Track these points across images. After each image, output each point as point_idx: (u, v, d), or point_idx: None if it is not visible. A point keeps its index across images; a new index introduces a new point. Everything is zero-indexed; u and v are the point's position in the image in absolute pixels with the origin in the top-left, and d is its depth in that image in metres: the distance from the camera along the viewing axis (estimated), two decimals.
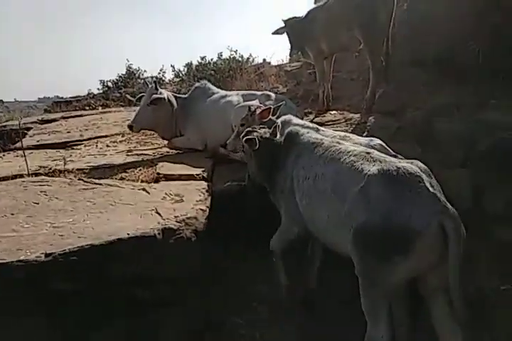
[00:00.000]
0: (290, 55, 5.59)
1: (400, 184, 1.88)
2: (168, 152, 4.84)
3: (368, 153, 2.17)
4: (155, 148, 5.11)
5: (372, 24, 4.35)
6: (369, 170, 1.99)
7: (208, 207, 3.00)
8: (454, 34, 4.63)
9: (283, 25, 4.99)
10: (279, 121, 3.19)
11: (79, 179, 3.61)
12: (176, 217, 2.66)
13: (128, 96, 12.70)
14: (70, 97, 15.30)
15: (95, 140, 6.06)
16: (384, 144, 2.83)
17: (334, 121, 4.80)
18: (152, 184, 3.48)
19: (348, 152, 2.23)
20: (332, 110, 5.27)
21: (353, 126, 4.46)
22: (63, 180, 3.50)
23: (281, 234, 2.78)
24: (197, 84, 4.95)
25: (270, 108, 3.42)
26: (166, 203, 2.96)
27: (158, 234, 2.44)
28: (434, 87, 4.84)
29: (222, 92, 4.76)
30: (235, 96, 4.57)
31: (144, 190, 3.29)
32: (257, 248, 3.01)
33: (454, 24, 4.59)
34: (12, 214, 2.72)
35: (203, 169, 3.96)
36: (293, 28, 4.95)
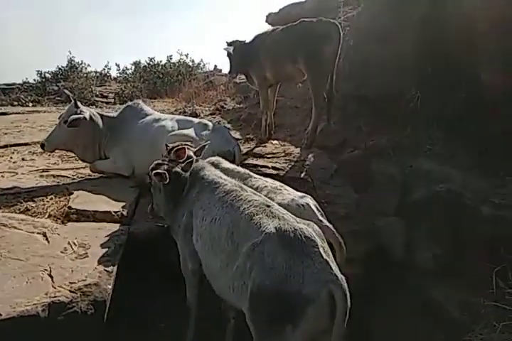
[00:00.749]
0: (227, 77, 5.25)
1: (296, 247, 1.82)
2: (90, 175, 4.27)
3: (269, 206, 2.07)
4: (77, 168, 4.51)
5: (317, 58, 4.11)
6: (266, 228, 1.91)
7: (117, 264, 2.53)
8: (397, 76, 4.51)
9: (226, 46, 4.63)
10: (199, 158, 2.83)
11: None
12: (71, 283, 2.20)
13: (66, 91, 11.73)
14: (3, 84, 13.93)
15: (12, 148, 5.34)
16: (313, 204, 2.53)
17: (274, 153, 4.50)
18: (56, 226, 2.94)
19: (249, 201, 2.12)
20: (274, 139, 4.99)
21: (292, 162, 4.19)
22: None
23: (182, 265, 2.54)
24: (129, 103, 4.41)
25: (184, 148, 2.99)
26: (65, 259, 2.46)
27: (43, 310, 1.97)
28: (374, 126, 4.70)
29: (156, 115, 4.27)
30: (169, 122, 4.11)
31: (44, 235, 2.76)
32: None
33: (397, 66, 4.48)
34: None
35: (124, 204, 3.49)
36: (238, 52, 4.60)
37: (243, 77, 8.88)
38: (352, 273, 3.04)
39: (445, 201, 3.64)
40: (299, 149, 4.56)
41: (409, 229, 3.66)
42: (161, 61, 12.40)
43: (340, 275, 1.81)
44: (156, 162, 2.76)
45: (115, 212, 3.29)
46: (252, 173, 2.86)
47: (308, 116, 5.04)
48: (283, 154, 4.48)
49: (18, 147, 5.36)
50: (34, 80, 12.85)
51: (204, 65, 12.93)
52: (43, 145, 3.94)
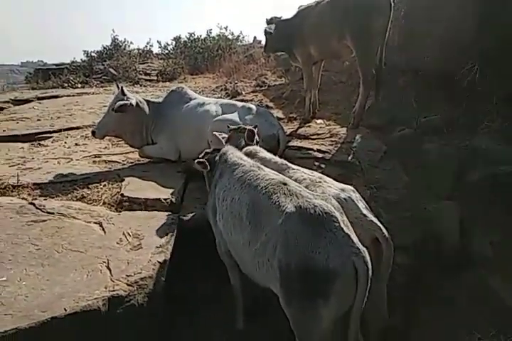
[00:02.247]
0: (263, 54, 5.02)
1: (317, 224, 1.85)
2: (138, 160, 4.32)
3: (285, 184, 2.09)
4: (126, 152, 4.59)
5: (366, 34, 3.77)
6: (286, 207, 1.93)
7: (170, 254, 2.57)
8: (452, 49, 4.08)
9: (267, 26, 4.37)
10: (243, 150, 2.78)
11: (30, 203, 3.13)
12: (127, 276, 2.25)
13: (111, 70, 11.90)
14: (53, 64, 14.36)
15: (66, 133, 5.52)
16: (356, 197, 2.35)
17: (319, 134, 4.31)
18: (111, 215, 3.01)
19: (266, 180, 2.15)
20: (318, 118, 4.77)
21: (338, 144, 3.99)
22: (11, 207, 3.00)
23: (218, 248, 2.64)
24: (173, 88, 4.34)
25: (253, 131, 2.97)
26: (121, 251, 2.52)
27: (103, 305, 2.04)
28: (426, 103, 4.35)
29: (200, 99, 4.19)
30: (213, 106, 4.02)
31: (100, 225, 2.83)
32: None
33: (454, 39, 4.04)
34: None
35: (173, 190, 3.51)
36: (279, 29, 4.34)
37: None
38: (403, 262, 2.97)
39: (504, 184, 3.35)
40: (344, 129, 4.34)
41: (464, 214, 3.42)
42: (200, 35, 12.18)
43: (362, 248, 1.83)
44: (205, 150, 2.85)
45: (165, 200, 3.31)
46: (290, 164, 2.71)
47: (355, 92, 4.76)
48: (328, 135, 4.28)
49: (71, 131, 5.53)
50: (81, 60, 13.10)
51: (244, 37, 12.57)
52: (93, 133, 4.01)
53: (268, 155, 2.73)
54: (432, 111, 4.22)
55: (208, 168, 2.66)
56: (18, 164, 4.13)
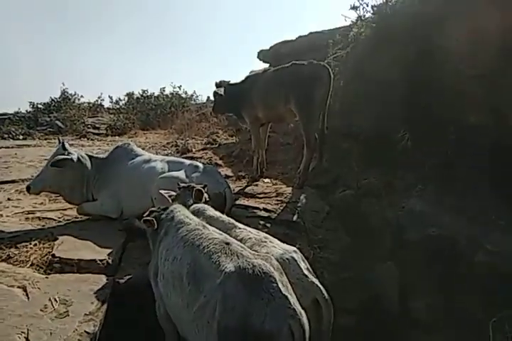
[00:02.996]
0: (211, 114, 5.33)
1: (255, 284, 1.85)
2: (76, 217, 4.16)
3: (228, 243, 2.12)
4: (64, 209, 4.41)
5: (308, 100, 4.15)
6: (226, 267, 1.94)
7: (100, 324, 2.40)
8: (386, 116, 4.57)
9: (216, 89, 4.69)
10: (190, 208, 2.82)
11: None
12: None
13: (58, 123, 11.75)
14: None
15: None
16: (299, 258, 2.43)
17: (266, 193, 4.45)
18: (38, 278, 2.81)
19: (209, 239, 2.18)
20: (265, 177, 4.96)
21: (284, 203, 4.13)
22: None
23: (157, 311, 2.53)
24: (119, 144, 4.38)
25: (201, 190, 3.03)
26: (45, 319, 2.33)
27: None
28: (366, 165, 4.71)
29: (146, 156, 4.24)
30: (159, 163, 4.07)
31: (24, 289, 2.63)
32: None
33: (387, 106, 4.54)
34: None
35: (111, 250, 3.38)
36: (228, 92, 4.66)
37: None
38: (344, 324, 2.98)
39: (437, 246, 3.60)
40: (290, 188, 4.52)
41: (403, 276, 3.59)
42: (153, 93, 12.56)
43: (299, 310, 1.84)
44: (151, 209, 2.81)
45: (100, 261, 3.17)
46: (237, 223, 2.78)
47: (300, 153, 5.04)
48: (275, 194, 4.43)
49: (5, 185, 5.27)
50: (26, 111, 12.88)
51: (197, 96, 13.11)
52: (28, 188, 3.87)
53: (215, 214, 2.78)
54: (372, 174, 4.55)
55: (156, 226, 2.61)
56: None
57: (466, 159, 4.02)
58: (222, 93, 4.79)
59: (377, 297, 3.42)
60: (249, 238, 2.56)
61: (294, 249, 2.52)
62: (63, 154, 3.86)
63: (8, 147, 7.51)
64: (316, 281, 2.32)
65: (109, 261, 3.20)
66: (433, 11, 4.04)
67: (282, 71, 4.35)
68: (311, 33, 6.80)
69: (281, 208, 4.08)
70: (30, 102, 12.75)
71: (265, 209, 4.03)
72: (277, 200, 4.26)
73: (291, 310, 1.82)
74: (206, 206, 2.95)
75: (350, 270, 3.40)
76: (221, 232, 2.36)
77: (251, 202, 4.24)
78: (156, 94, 12.30)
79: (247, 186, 4.76)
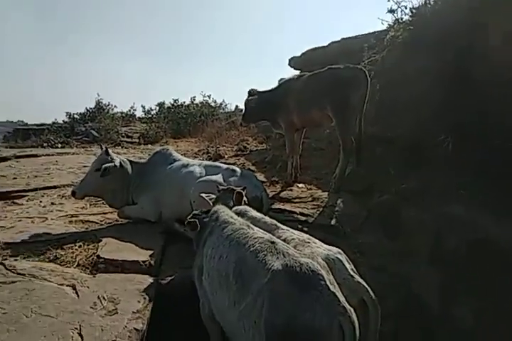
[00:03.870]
0: (241, 125, 5.36)
1: (303, 282, 1.85)
2: (117, 220, 4.29)
3: (273, 242, 2.11)
4: (104, 213, 4.55)
5: (344, 105, 4.15)
6: (273, 265, 1.94)
7: (147, 321, 2.46)
8: (426, 120, 4.51)
9: (249, 97, 4.75)
10: (232, 209, 2.85)
11: (0, 263, 3.00)
12: None
13: (93, 132, 12.17)
14: (34, 124, 14.58)
15: (42, 191, 5.47)
16: (344, 258, 2.43)
17: (301, 198, 4.45)
18: (86, 277, 2.91)
19: (254, 238, 2.18)
20: (300, 183, 4.96)
21: (320, 208, 4.12)
22: None
23: (201, 311, 2.55)
24: (158, 149, 4.51)
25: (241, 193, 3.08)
26: (95, 316, 2.40)
27: None
28: (403, 170, 4.63)
29: (185, 160, 4.34)
30: (197, 167, 4.16)
31: (73, 288, 2.73)
32: None
33: (426, 110, 4.48)
34: None
35: (152, 252, 3.45)
36: (261, 99, 4.71)
37: None
38: (384, 329, 2.92)
39: (480, 251, 3.49)
40: (326, 193, 4.51)
41: (444, 281, 3.49)
42: (184, 102, 12.83)
43: (348, 307, 1.82)
44: (193, 213, 2.87)
45: (143, 262, 3.25)
46: (279, 224, 2.80)
47: (335, 158, 5.03)
48: (310, 199, 4.43)
49: (48, 190, 5.49)
50: (63, 121, 13.41)
51: (226, 105, 13.30)
52: (74, 193, 4.01)
53: (258, 215, 2.80)
54: (409, 179, 4.48)
55: (198, 228, 2.66)
56: None
57: (509, 164, 3.90)
58: (253, 104, 4.83)
59: (418, 302, 3.34)
60: (293, 239, 2.56)
61: (338, 250, 2.51)
62: (106, 159, 4.00)
63: (48, 155, 7.83)
64: (363, 282, 2.30)
65: (152, 262, 3.27)
66: (476, 11, 3.97)
67: (318, 76, 4.38)
68: (343, 39, 6.80)
69: (318, 212, 4.07)
70: (67, 112, 13.29)
71: (302, 214, 4.03)
72: (313, 205, 4.26)
73: (341, 307, 1.82)
74: (248, 207, 2.98)
75: (391, 275, 3.33)
76: (266, 232, 2.38)
77: (287, 206, 4.26)
78: (186, 104, 12.55)
79: (281, 191, 4.78)
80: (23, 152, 8.05)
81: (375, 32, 6.36)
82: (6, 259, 3.13)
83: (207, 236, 2.54)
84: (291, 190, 4.78)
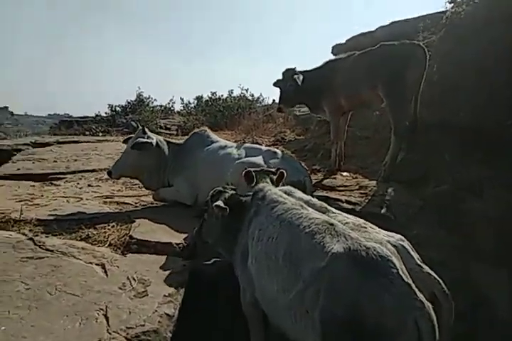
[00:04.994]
0: (278, 110, 4.85)
1: (370, 269, 1.53)
2: (152, 203, 4.06)
3: (332, 224, 1.81)
4: (139, 195, 4.34)
5: (399, 83, 3.69)
6: (332, 248, 1.64)
7: (179, 306, 2.16)
8: (489, 104, 3.97)
9: (296, 75, 4.27)
10: (275, 188, 2.49)
11: (30, 238, 2.81)
12: (127, 328, 1.84)
13: (133, 123, 12.20)
14: (78, 117, 14.91)
15: (80, 174, 5.36)
16: (408, 245, 2.05)
17: (346, 186, 4.04)
18: (116, 257, 2.66)
19: (310, 219, 1.89)
20: (343, 171, 4.54)
21: (369, 196, 3.69)
22: (8, 241, 2.69)
23: (242, 297, 2.25)
24: (196, 130, 4.23)
25: (250, 171, 2.69)
26: (123, 297, 2.14)
27: None
28: (461, 158, 4.11)
29: (222, 142, 4.04)
30: (236, 149, 3.85)
31: (102, 267, 2.48)
32: None
33: (490, 94, 3.95)
34: None
35: (186, 235, 3.17)
36: (306, 80, 4.26)
37: (304, 109, 8.61)
38: (456, 329, 2.50)
39: None
40: (373, 182, 4.06)
41: None
42: (222, 95, 12.63)
43: (426, 302, 1.49)
44: (217, 189, 2.62)
45: (177, 244, 2.98)
46: (329, 207, 2.44)
47: (382, 147, 4.59)
48: (357, 187, 4.00)
49: (86, 173, 5.38)
50: (106, 113, 13.58)
51: (263, 99, 13.00)
52: (109, 173, 3.82)
53: (305, 196, 2.46)
54: (468, 167, 3.97)
55: (227, 212, 2.38)
56: (26, 200, 3.90)
57: None
58: (292, 86, 4.34)
59: (485, 301, 2.87)
60: (347, 223, 2.19)
61: (400, 236, 2.12)
62: (143, 138, 3.77)
63: (89, 141, 7.81)
64: (433, 273, 1.90)
65: (185, 245, 2.99)
66: None
67: (370, 53, 3.93)
68: (393, 23, 6.27)
69: (366, 201, 3.65)
70: (109, 105, 13.40)
71: (348, 202, 3.63)
72: (360, 193, 3.83)
73: (418, 301, 1.46)
74: (293, 188, 2.64)
75: (454, 270, 2.88)
76: (321, 213, 2.04)
77: (331, 194, 3.85)
78: (224, 97, 12.36)
79: (324, 178, 4.37)
80: (66, 138, 8.08)
81: (426, 15, 5.83)
82: (37, 235, 2.95)
83: (252, 217, 2.22)
84: (334, 178, 4.37)
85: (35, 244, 2.69)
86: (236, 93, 12.45)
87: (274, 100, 13.27)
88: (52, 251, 2.61)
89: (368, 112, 5.25)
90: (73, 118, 15.71)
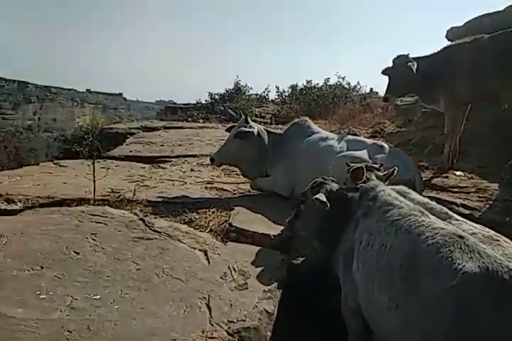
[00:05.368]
0: (384, 100, 4.38)
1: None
2: (249, 191, 4.04)
3: (461, 237, 1.55)
4: (237, 183, 4.36)
5: None
6: (464, 266, 1.41)
7: (278, 304, 2.06)
8: None
9: (410, 63, 3.81)
10: (389, 188, 2.21)
11: (141, 219, 2.96)
12: (229, 322, 1.79)
13: (230, 111, 12.54)
14: (182, 104, 15.84)
15: (183, 159, 5.61)
16: None
17: (461, 187, 3.56)
18: (217, 244, 2.66)
19: (433, 228, 1.64)
20: (457, 170, 4.01)
21: (489, 201, 3.20)
22: (122, 220, 2.86)
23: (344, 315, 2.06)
24: (296, 120, 4.07)
25: (362, 168, 2.43)
26: (224, 288, 2.10)
27: None
28: None
29: (323, 133, 3.81)
30: (337, 141, 3.60)
31: (205, 253, 2.49)
32: None
33: None
34: (41, 268, 2.09)
35: (283, 228, 3.06)
36: (420, 67, 3.78)
37: (407, 99, 7.88)
38: None
39: None
40: (495, 185, 3.51)
41: None
42: (317, 84, 12.27)
43: None
44: (318, 180, 2.43)
45: (274, 236, 2.89)
46: (451, 213, 2.10)
47: (502, 145, 3.96)
48: (473, 189, 3.51)
49: (189, 158, 5.61)
50: (205, 101, 14.15)
51: (360, 87, 12.32)
52: (212, 160, 3.87)
53: (422, 199, 2.15)
54: None
55: (328, 207, 2.21)
56: (137, 181, 4.15)
57: None
58: (403, 73, 3.88)
59: None
60: (474, 233, 1.85)
61: None
62: (245, 127, 3.73)
63: (191, 128, 8.18)
64: None
65: (278, 237, 2.89)
66: None
67: (505, 36, 3.34)
68: None
69: (487, 206, 3.16)
70: (209, 93, 13.89)
71: (464, 206, 3.18)
72: (479, 197, 3.34)
73: None
74: (406, 188, 2.33)
75: None
76: (446, 222, 1.75)
77: (443, 196, 3.42)
78: (319, 85, 11.98)
79: (433, 177, 3.92)
80: (171, 124, 8.57)
81: None
82: (146, 216, 3.10)
83: (360, 218, 2.01)
84: (446, 177, 3.89)
85: (146, 225, 2.81)
86: (332, 81, 12.00)
87: (371, 89, 12.49)
88: (160, 232, 2.70)
89: (490, 105, 4.55)
90: (177, 104, 16.75)
